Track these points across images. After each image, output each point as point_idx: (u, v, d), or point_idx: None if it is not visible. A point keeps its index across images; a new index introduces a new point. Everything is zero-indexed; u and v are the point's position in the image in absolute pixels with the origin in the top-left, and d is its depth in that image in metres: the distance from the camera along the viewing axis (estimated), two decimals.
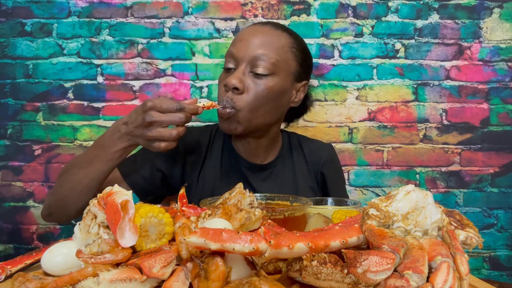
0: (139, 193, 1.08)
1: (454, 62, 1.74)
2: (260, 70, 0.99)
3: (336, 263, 0.51)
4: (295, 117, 1.23)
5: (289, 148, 1.18)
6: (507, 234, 1.74)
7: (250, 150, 1.12)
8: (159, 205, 0.62)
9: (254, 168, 1.12)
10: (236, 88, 0.98)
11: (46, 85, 1.75)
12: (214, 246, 0.48)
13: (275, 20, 1.73)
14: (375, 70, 1.74)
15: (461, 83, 1.74)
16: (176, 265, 0.53)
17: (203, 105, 0.90)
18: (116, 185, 0.61)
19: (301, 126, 1.75)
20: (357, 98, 1.75)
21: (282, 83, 1.03)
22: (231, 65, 1.02)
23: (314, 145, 1.22)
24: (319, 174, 1.19)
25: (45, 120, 1.75)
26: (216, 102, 0.96)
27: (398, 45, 1.74)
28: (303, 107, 1.19)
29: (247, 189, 0.73)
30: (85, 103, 1.75)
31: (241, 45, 1.01)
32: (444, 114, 1.75)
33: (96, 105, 1.75)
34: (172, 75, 1.76)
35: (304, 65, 1.08)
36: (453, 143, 1.74)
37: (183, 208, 0.72)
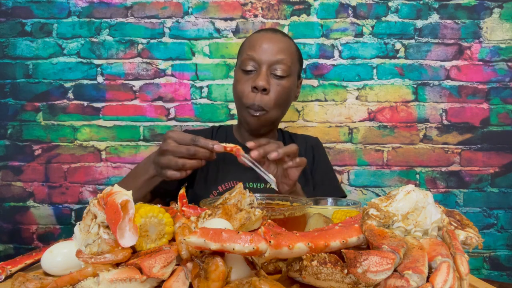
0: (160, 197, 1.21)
1: (454, 62, 1.74)
2: (279, 72, 1.14)
3: (336, 263, 0.51)
4: None
5: (283, 140, 1.35)
6: (507, 234, 1.74)
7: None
8: (159, 205, 0.62)
9: None
10: (264, 89, 1.13)
11: (46, 85, 1.75)
12: (214, 246, 0.48)
13: (275, 20, 1.73)
14: (375, 70, 1.74)
15: (461, 83, 1.74)
16: (176, 265, 0.53)
17: (225, 144, 0.91)
18: (116, 185, 0.61)
19: (301, 126, 1.75)
20: (357, 98, 1.75)
21: (293, 82, 1.21)
22: (251, 68, 1.15)
23: (302, 137, 1.40)
24: (312, 158, 1.32)
25: (45, 120, 1.75)
26: (237, 146, 0.92)
27: (398, 45, 1.74)
28: None
29: (247, 189, 0.73)
30: (85, 103, 1.75)
31: (262, 50, 1.15)
32: (444, 114, 1.75)
33: (96, 105, 1.75)
34: (172, 75, 1.76)
35: (301, 64, 1.28)
36: (453, 143, 1.74)
37: (183, 208, 0.72)
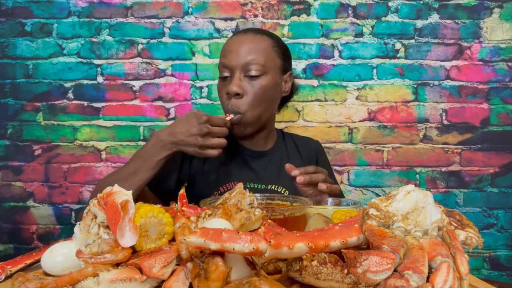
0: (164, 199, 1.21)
1: (454, 62, 1.74)
2: (253, 73, 1.14)
3: (336, 263, 0.51)
4: (284, 103, 1.35)
5: (282, 139, 1.35)
6: (507, 234, 1.74)
7: (252, 141, 1.27)
8: (159, 205, 0.62)
9: (255, 155, 1.27)
10: (237, 94, 1.13)
11: (46, 85, 1.75)
12: (214, 246, 0.48)
13: (275, 20, 1.73)
14: (375, 70, 1.74)
15: (461, 83, 1.74)
16: (176, 265, 0.53)
17: (230, 118, 1.10)
18: (116, 185, 0.61)
19: (301, 126, 1.75)
20: (357, 98, 1.75)
21: (273, 79, 1.18)
22: (226, 74, 1.17)
23: (305, 140, 1.39)
24: (315, 163, 1.32)
25: (45, 120, 1.75)
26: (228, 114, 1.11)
27: (398, 45, 1.74)
28: (290, 93, 1.31)
29: (247, 189, 0.73)
30: (85, 103, 1.75)
31: (231, 55, 1.15)
32: (444, 114, 1.75)
33: (96, 105, 1.75)
34: (172, 75, 1.76)
35: (285, 58, 1.24)
36: (453, 143, 1.74)
37: (183, 208, 0.72)
